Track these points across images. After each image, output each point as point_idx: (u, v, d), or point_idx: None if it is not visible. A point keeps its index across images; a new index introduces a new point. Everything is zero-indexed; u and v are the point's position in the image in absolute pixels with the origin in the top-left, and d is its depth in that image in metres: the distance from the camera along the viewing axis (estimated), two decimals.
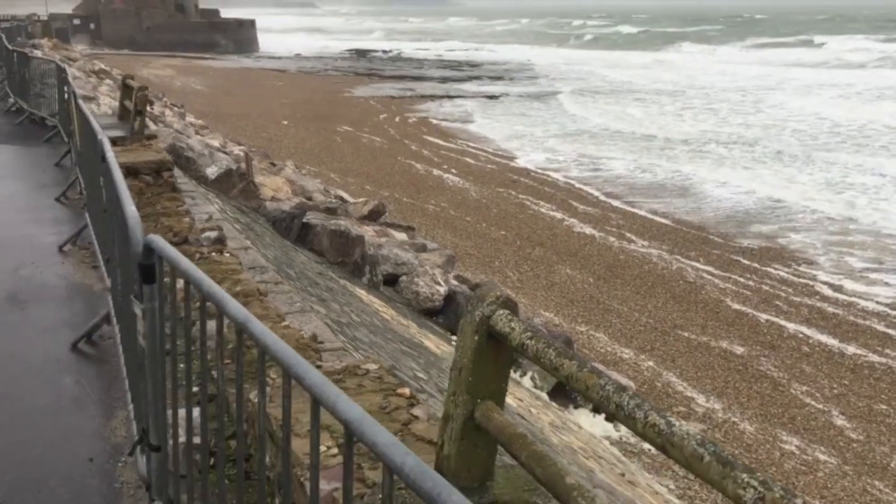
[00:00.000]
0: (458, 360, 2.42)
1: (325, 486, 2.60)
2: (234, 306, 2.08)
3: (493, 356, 2.39)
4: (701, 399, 13.19)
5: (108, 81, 26.07)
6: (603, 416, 11.44)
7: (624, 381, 13.22)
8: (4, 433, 4.17)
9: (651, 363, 14.43)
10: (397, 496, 2.11)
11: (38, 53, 21.85)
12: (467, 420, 2.41)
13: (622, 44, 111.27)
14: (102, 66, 34.86)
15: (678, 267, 19.48)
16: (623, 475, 9.30)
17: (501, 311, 2.28)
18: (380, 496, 1.51)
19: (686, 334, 15.64)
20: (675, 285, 18.21)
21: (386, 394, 3.23)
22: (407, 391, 3.21)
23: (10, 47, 20.41)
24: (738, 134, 39.42)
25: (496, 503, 2.38)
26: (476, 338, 2.35)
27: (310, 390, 1.72)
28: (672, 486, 10.66)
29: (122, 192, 3.13)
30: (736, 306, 17.08)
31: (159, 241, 2.53)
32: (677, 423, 1.63)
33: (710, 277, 18.78)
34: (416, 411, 3.04)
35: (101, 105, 17.68)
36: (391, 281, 12.91)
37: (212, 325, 2.44)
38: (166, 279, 2.70)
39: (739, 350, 14.97)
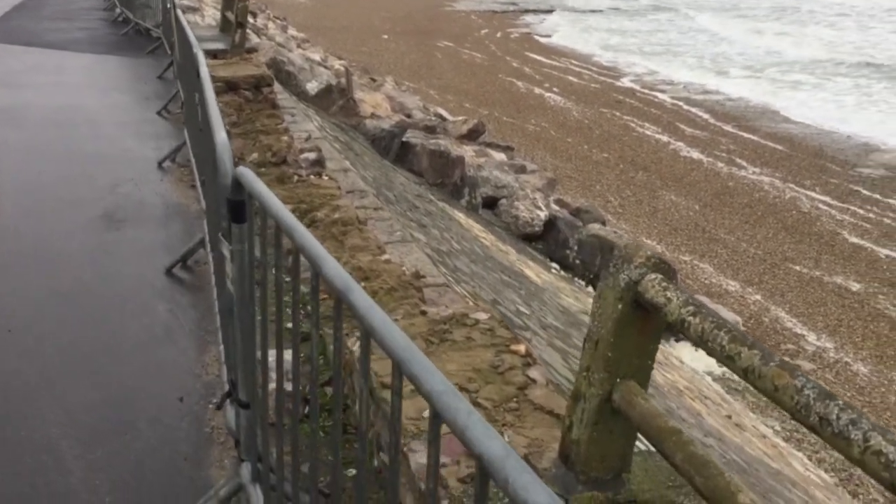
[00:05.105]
0: (594, 330, 1.99)
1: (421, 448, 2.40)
2: (313, 246, 1.79)
3: (640, 329, 1.97)
4: (811, 337, 12.55)
5: None
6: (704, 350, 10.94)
7: (730, 315, 12.63)
8: (95, 366, 3.98)
9: (758, 297, 13.78)
10: None
11: None
12: (603, 402, 2.00)
13: None
14: None
15: (791, 196, 18.40)
16: (730, 417, 8.89)
17: (653, 276, 1.85)
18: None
19: (797, 268, 14.82)
20: (788, 215, 17.23)
21: (498, 349, 2.85)
22: (522, 348, 2.83)
23: None
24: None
25: (635, 502, 2.01)
26: (620, 306, 1.93)
27: (360, 320, 1.51)
28: (778, 428, 10.21)
29: (213, 115, 2.81)
30: (853, 240, 16.06)
31: (249, 175, 2.19)
32: None
33: (825, 208, 17.68)
34: (533, 373, 2.66)
35: (205, 17, 17.54)
36: (490, 204, 12.51)
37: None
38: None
39: (855, 287, 14.10)
